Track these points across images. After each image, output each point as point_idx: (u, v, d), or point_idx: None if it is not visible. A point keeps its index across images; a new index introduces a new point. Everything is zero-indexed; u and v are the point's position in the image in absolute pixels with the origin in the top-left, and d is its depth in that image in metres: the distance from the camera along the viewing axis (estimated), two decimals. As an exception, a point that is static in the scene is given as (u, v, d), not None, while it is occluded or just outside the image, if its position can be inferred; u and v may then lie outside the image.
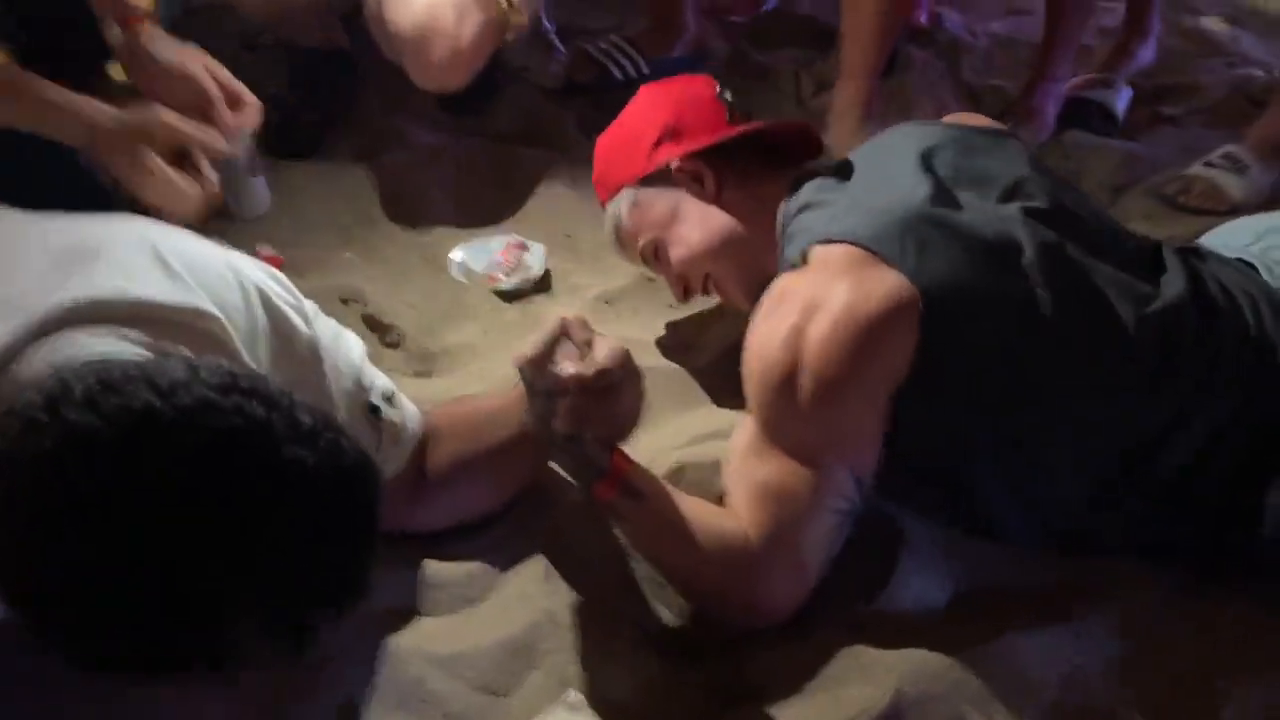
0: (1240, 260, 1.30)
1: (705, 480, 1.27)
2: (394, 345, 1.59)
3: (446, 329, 1.60)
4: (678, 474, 1.28)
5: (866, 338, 1.09)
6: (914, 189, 1.19)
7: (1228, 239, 1.39)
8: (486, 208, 1.86)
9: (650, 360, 1.49)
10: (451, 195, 1.88)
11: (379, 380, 1.13)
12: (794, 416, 1.12)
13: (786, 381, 1.11)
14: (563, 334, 1.07)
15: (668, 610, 1.20)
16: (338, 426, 0.74)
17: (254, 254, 1.60)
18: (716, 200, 1.35)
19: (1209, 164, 1.88)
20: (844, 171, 1.29)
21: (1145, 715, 1.11)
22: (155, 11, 1.42)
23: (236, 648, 0.70)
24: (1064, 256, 1.17)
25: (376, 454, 1.10)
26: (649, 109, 1.42)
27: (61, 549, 0.67)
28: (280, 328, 1.00)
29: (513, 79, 2.10)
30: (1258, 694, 1.10)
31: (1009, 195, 1.22)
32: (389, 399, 1.12)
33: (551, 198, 1.85)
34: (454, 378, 1.48)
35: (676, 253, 1.39)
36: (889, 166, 1.26)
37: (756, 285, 1.26)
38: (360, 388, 1.07)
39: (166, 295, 0.91)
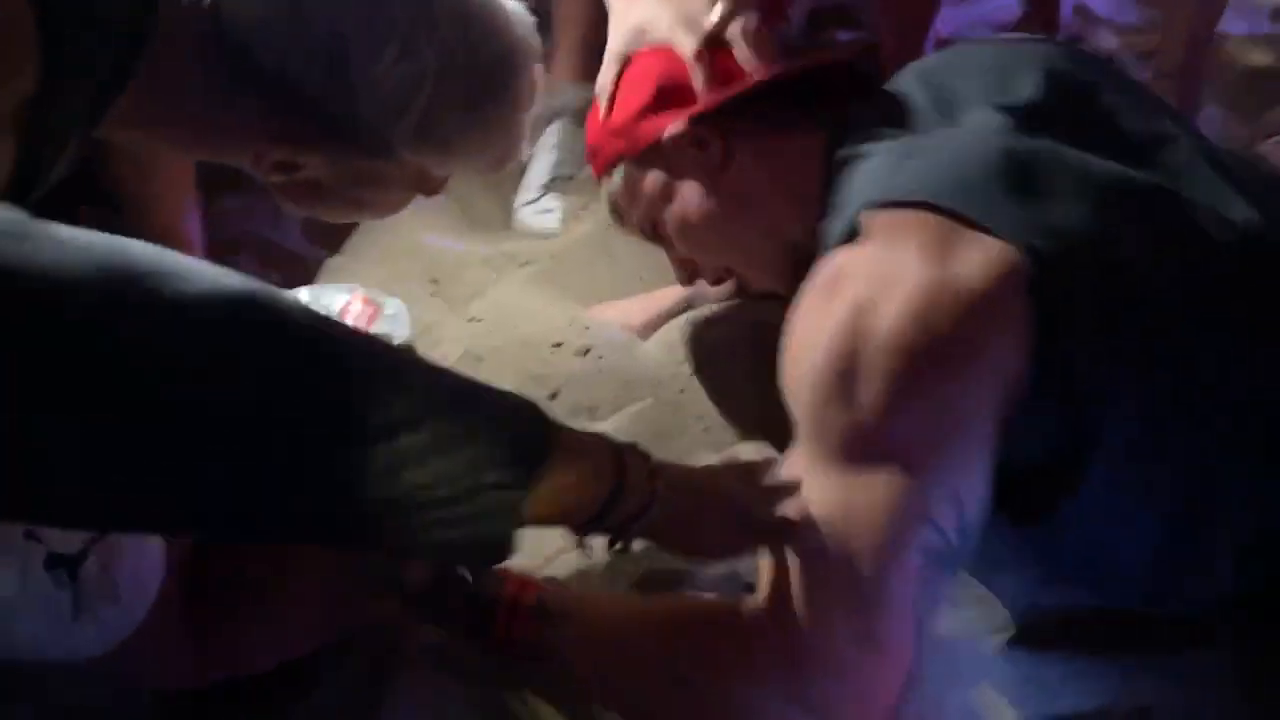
0: None
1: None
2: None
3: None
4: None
5: (963, 313, 0.81)
6: (992, 118, 0.93)
7: None
8: (330, 250, 1.51)
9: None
10: (285, 235, 1.54)
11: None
12: (863, 418, 0.81)
13: (849, 375, 0.82)
14: None
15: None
16: None
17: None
18: (726, 167, 1.07)
19: None
20: (897, 107, 1.01)
21: None
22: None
23: None
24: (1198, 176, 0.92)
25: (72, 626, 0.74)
26: (639, 62, 1.12)
27: None
28: None
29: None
30: None
31: (1114, 123, 0.95)
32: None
33: (413, 233, 1.50)
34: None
35: (675, 235, 1.12)
36: (954, 92, 0.99)
37: (788, 265, 1.04)
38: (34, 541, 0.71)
39: None
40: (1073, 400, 0.82)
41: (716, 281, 1.16)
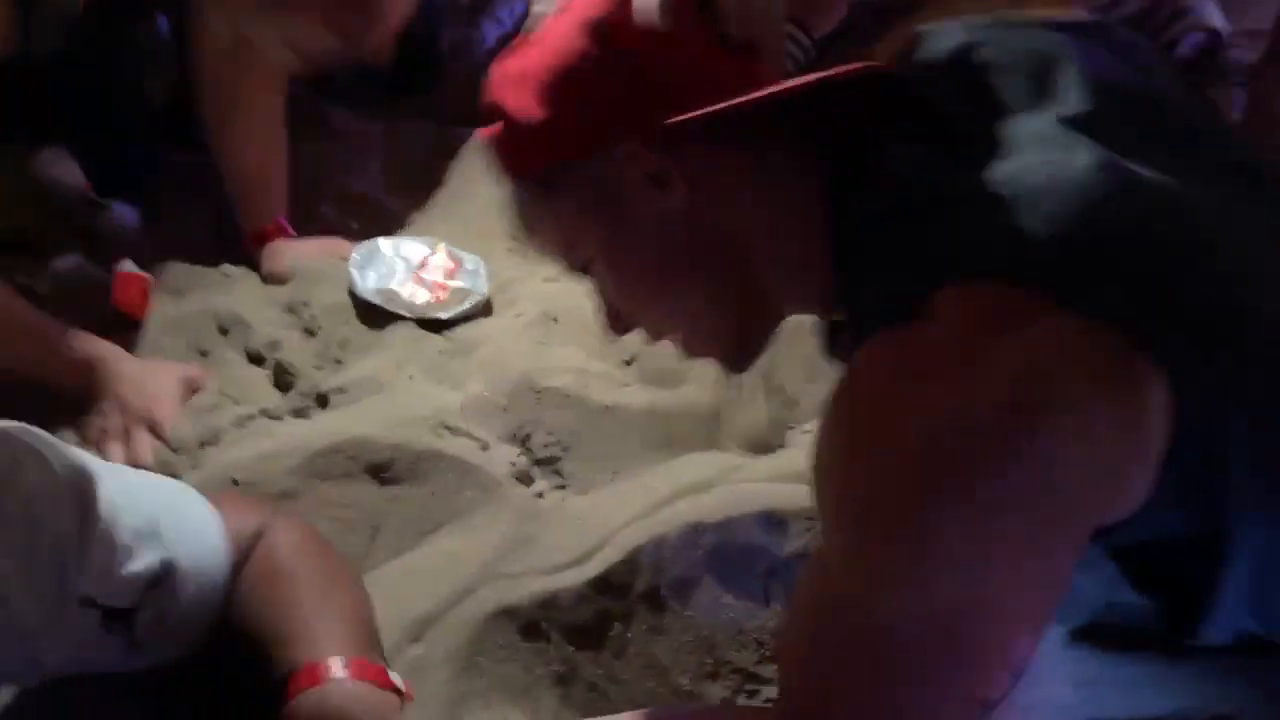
0: None
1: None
2: (286, 386, 1.23)
3: (351, 361, 1.25)
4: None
5: (1094, 436, 0.61)
6: (1071, 146, 0.67)
7: None
8: (412, 203, 1.51)
9: (610, 395, 1.14)
10: (367, 184, 1.54)
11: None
12: (922, 557, 0.61)
13: (920, 498, 0.61)
14: None
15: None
16: None
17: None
18: (687, 203, 0.73)
19: None
20: (933, 127, 0.70)
21: None
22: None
23: None
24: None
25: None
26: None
27: None
28: None
29: (459, 54, 1.75)
30: None
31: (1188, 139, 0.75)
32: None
33: (494, 189, 1.49)
34: (335, 417, 1.13)
35: (607, 278, 0.79)
36: (991, 92, 0.72)
37: (731, 334, 0.80)
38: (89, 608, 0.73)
39: None
40: (1208, 495, 0.66)
41: (654, 338, 0.83)
